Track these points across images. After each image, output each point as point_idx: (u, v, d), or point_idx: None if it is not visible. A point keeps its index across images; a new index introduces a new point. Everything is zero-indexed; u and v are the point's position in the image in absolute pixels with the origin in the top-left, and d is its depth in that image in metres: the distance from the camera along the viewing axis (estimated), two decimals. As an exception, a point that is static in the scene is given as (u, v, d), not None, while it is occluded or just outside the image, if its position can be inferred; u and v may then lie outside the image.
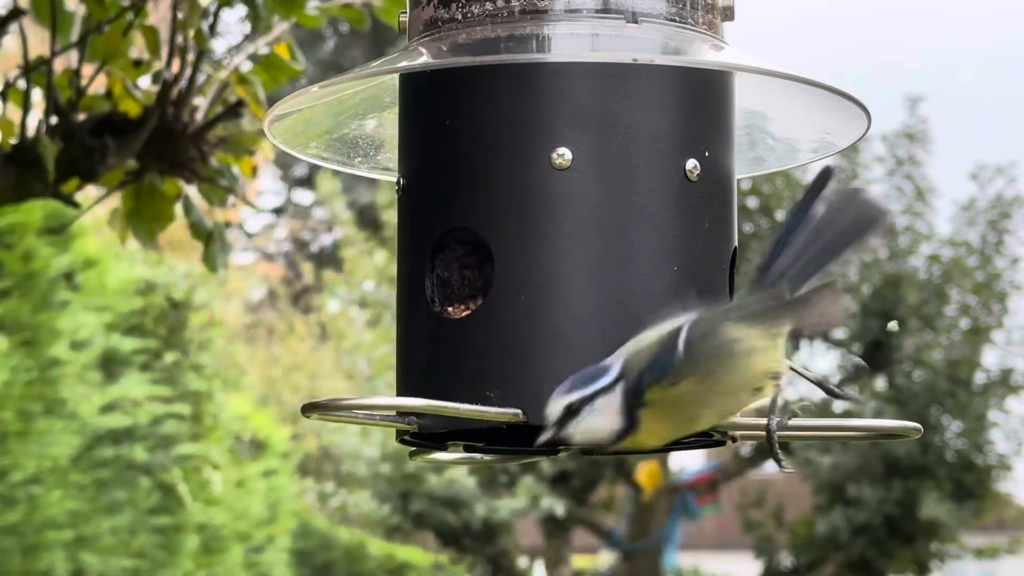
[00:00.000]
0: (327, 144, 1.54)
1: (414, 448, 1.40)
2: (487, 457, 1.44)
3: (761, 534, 15.52)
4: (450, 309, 1.35)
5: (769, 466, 19.31)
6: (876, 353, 14.37)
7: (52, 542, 6.52)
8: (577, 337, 1.31)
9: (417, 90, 1.39)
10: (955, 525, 13.83)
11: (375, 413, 1.34)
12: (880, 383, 14.17)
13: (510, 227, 1.32)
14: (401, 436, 1.37)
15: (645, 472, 15.34)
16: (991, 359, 14.26)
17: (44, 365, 6.42)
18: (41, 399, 6.42)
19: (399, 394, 1.35)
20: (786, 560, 15.34)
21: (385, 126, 1.52)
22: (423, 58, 1.38)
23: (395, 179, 1.42)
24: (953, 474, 13.90)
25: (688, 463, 17.40)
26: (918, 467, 13.75)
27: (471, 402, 1.29)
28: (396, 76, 1.43)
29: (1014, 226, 14.62)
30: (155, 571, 7.61)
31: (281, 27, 2.71)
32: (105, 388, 7.04)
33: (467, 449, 1.40)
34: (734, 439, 1.37)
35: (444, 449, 1.40)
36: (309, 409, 1.30)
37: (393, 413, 1.35)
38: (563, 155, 1.32)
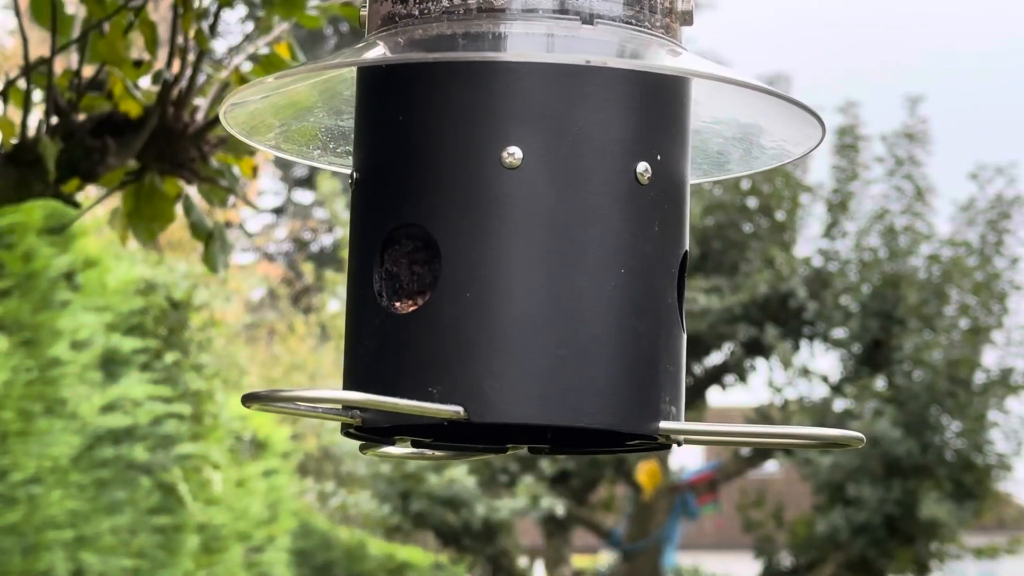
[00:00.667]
0: (285, 135, 1.55)
1: (362, 442, 1.41)
2: (436, 452, 1.44)
3: (761, 534, 15.53)
4: (397, 304, 1.36)
5: (769, 466, 19.31)
6: (876, 353, 14.38)
7: (52, 542, 6.52)
8: (521, 336, 1.31)
9: (373, 84, 1.40)
10: (955, 525, 13.84)
11: (318, 406, 1.35)
12: (880, 383, 14.17)
13: (458, 224, 1.33)
14: (346, 429, 1.38)
15: (645, 472, 15.34)
16: (991, 359, 14.28)
17: (44, 365, 6.42)
18: (41, 399, 6.43)
19: (345, 388, 1.36)
20: (786, 560, 15.35)
21: (344, 119, 1.53)
22: (379, 52, 1.39)
23: (349, 172, 1.43)
24: (953, 474, 13.90)
25: (688, 463, 17.42)
26: (918, 467, 13.75)
27: (413, 398, 1.30)
28: (354, 69, 1.44)
29: (1014, 226, 14.63)
30: (155, 571, 7.62)
31: (281, 27, 2.71)
32: (105, 388, 7.05)
33: (415, 444, 1.41)
34: (679, 443, 1.37)
35: (392, 443, 1.40)
36: (250, 400, 1.30)
37: (338, 406, 1.35)
38: (513, 154, 1.33)
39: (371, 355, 1.35)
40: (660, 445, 1.37)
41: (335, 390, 1.34)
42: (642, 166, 1.35)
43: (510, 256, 1.32)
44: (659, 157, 1.36)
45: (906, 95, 15.02)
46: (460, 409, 1.30)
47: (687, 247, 1.39)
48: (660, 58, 1.39)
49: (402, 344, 1.32)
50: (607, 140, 1.34)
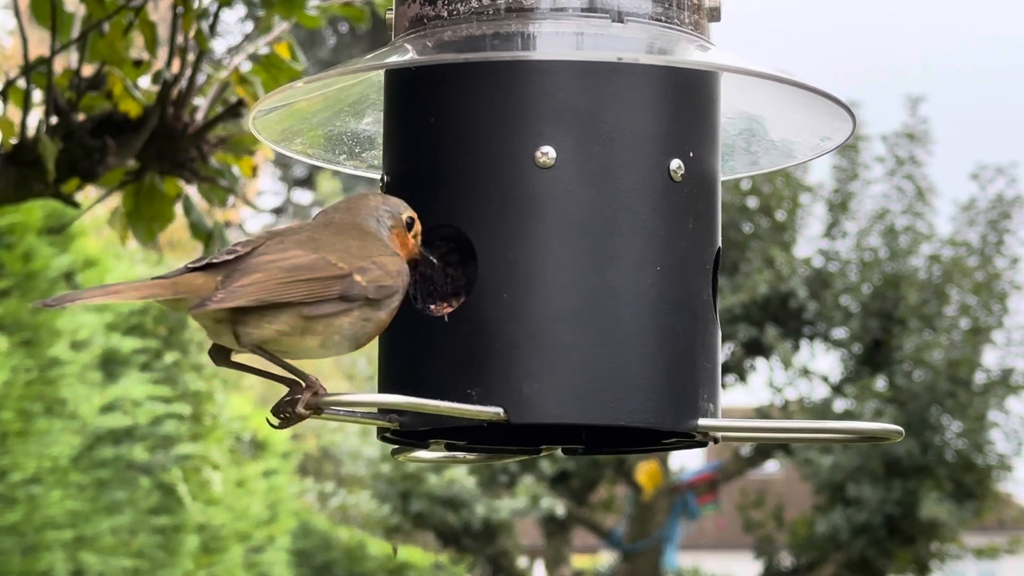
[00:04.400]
0: (312, 140, 1.54)
1: (396, 446, 1.40)
2: (469, 456, 1.44)
3: (761, 534, 15.52)
4: (432, 307, 1.36)
5: (769, 466, 19.31)
6: (876, 353, 14.37)
7: (52, 542, 6.52)
8: (559, 336, 1.31)
9: (402, 87, 1.40)
10: (955, 525, 13.83)
11: (356, 410, 1.34)
12: (880, 383, 14.17)
13: (493, 225, 1.32)
14: (382, 434, 1.37)
15: (645, 472, 15.34)
16: (991, 359, 14.27)
17: (44, 365, 6.42)
18: (41, 399, 6.42)
19: (381, 391, 1.35)
20: (786, 560, 15.34)
21: (370, 123, 1.52)
22: (408, 55, 1.38)
23: (379, 176, 1.43)
24: (953, 474, 13.89)
25: (688, 463, 17.41)
26: (918, 467, 13.74)
27: (452, 400, 1.29)
28: (382, 73, 1.43)
29: (1014, 226, 14.62)
30: (155, 571, 7.61)
31: (281, 27, 2.71)
32: (105, 388, 7.04)
33: (449, 447, 1.40)
34: (716, 440, 1.37)
35: (426, 447, 1.40)
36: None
37: (374, 410, 1.35)
38: (547, 153, 1.33)
39: (407, 358, 1.34)
40: (697, 443, 1.36)
41: (374, 394, 1.34)
42: (675, 163, 1.35)
43: (546, 256, 1.32)
44: (692, 154, 1.36)
45: (906, 95, 15.02)
46: (500, 410, 1.29)
47: (720, 243, 1.39)
48: (690, 54, 1.39)
49: (439, 347, 1.32)
50: (640, 138, 1.34)
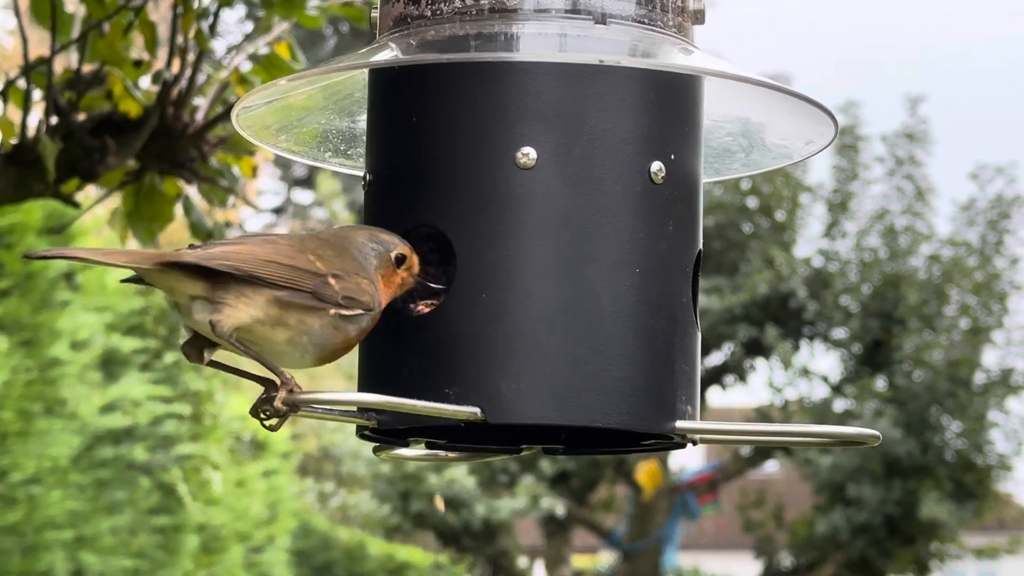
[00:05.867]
0: (298, 137, 1.55)
1: (376, 444, 1.41)
2: (450, 454, 1.44)
3: (761, 534, 15.52)
4: (412, 306, 1.36)
5: (769, 466, 19.31)
6: (876, 353, 14.37)
7: (52, 542, 6.52)
8: (537, 337, 1.31)
9: (385, 86, 1.40)
10: (955, 525, 13.83)
11: (334, 408, 1.35)
12: (880, 383, 14.17)
13: (473, 225, 1.33)
14: (361, 432, 1.38)
15: (645, 472, 15.34)
16: (991, 359, 14.27)
17: (44, 365, 6.42)
18: (41, 399, 6.42)
19: (360, 390, 1.36)
20: (786, 560, 15.34)
21: (358, 121, 1.53)
22: (391, 54, 1.39)
23: (363, 175, 1.43)
24: (953, 474, 13.89)
25: (688, 463, 17.41)
26: (918, 467, 13.74)
27: (430, 399, 1.30)
28: (366, 71, 1.44)
29: (1014, 226, 14.62)
30: (155, 571, 7.62)
31: (281, 27, 2.71)
32: (105, 388, 7.05)
33: (429, 446, 1.41)
34: (694, 442, 1.37)
35: (406, 445, 1.40)
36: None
37: (353, 409, 1.35)
38: (528, 154, 1.33)
39: (387, 357, 1.35)
40: (676, 444, 1.37)
41: (351, 392, 1.34)
42: (656, 165, 1.35)
43: (526, 257, 1.32)
44: (673, 157, 1.36)
45: (906, 95, 15.02)
46: (477, 410, 1.30)
47: (701, 246, 1.39)
48: (673, 57, 1.39)
49: (418, 346, 1.33)
50: (621, 140, 1.35)
